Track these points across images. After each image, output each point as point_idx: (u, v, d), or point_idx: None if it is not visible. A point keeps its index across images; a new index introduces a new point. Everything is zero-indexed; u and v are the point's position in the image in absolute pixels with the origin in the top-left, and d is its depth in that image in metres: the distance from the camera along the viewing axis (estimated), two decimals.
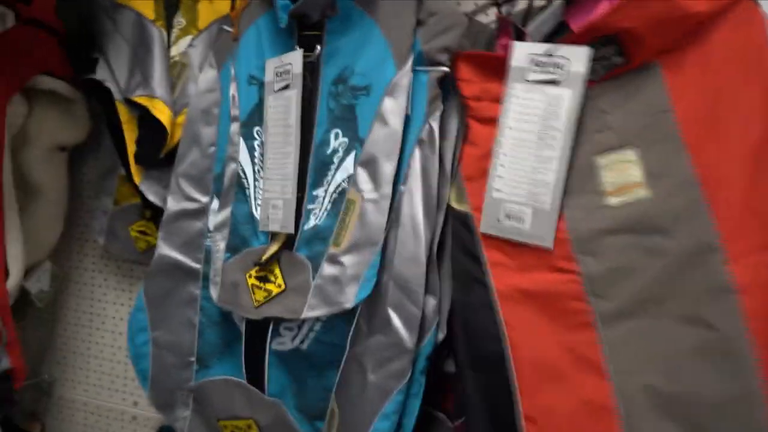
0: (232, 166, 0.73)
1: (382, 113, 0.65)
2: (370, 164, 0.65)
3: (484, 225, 0.64)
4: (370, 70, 0.66)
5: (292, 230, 0.68)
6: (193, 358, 0.79)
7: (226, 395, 0.77)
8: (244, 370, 0.76)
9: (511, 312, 0.63)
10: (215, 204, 0.76)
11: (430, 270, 0.70)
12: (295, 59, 0.67)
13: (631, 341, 0.58)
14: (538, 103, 0.60)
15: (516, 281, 0.63)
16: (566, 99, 0.59)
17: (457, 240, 0.66)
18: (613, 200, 0.60)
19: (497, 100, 0.64)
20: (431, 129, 0.68)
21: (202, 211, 0.77)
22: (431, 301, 0.70)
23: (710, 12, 0.57)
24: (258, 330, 0.74)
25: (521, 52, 0.61)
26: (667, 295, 0.56)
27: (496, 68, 0.64)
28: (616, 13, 0.57)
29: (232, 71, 0.75)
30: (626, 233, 0.59)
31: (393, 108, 0.65)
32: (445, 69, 0.67)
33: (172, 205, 0.78)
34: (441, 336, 0.72)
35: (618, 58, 0.59)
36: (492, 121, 0.65)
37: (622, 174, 0.60)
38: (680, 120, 0.58)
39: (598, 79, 0.59)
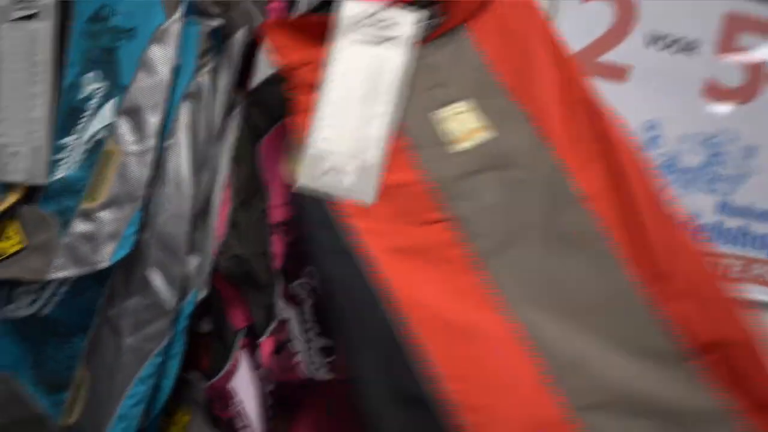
0: None
1: (148, 60, 0.61)
2: (133, 114, 0.61)
3: (303, 179, 0.61)
4: (135, 13, 0.61)
5: (45, 180, 0.60)
6: None
7: None
8: None
9: (394, 273, 0.59)
10: None
11: (196, 227, 0.68)
12: None
13: (515, 271, 0.60)
14: (365, 62, 0.61)
15: (390, 242, 0.60)
16: (393, 59, 0.61)
17: (313, 215, 0.62)
18: (465, 145, 0.63)
19: (319, 64, 0.63)
20: (200, 83, 0.66)
21: None
22: (194, 260, 0.69)
23: None
24: None
25: (348, 12, 0.62)
26: (534, 219, 0.62)
27: (314, 33, 0.63)
28: None
29: None
30: (487, 171, 0.63)
31: (161, 56, 0.61)
32: (217, 22, 0.66)
33: None
34: (201, 295, 0.71)
35: (438, 18, 0.64)
36: (316, 87, 0.64)
37: (464, 123, 0.64)
38: (498, 71, 0.66)
39: (423, 39, 0.64)
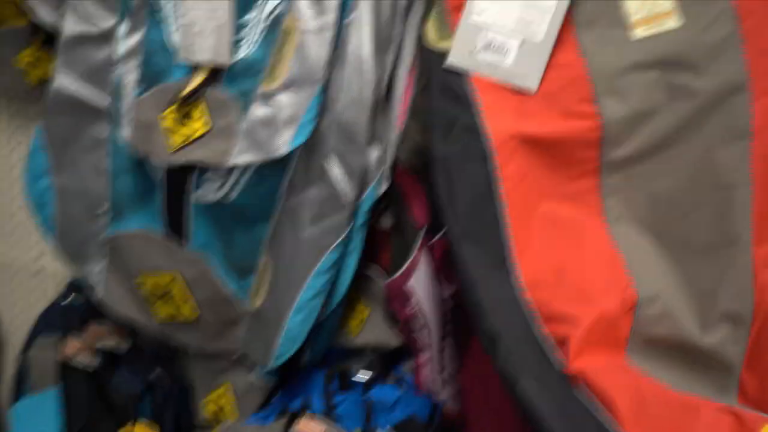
0: None
1: None
2: None
3: (454, 56, 0.54)
4: None
5: (227, 60, 0.58)
6: (103, 209, 0.71)
7: (143, 250, 0.70)
8: (163, 223, 0.69)
9: (507, 163, 0.54)
10: (123, 27, 0.64)
11: (376, 116, 0.63)
12: None
13: (633, 186, 0.55)
14: None
15: (517, 127, 0.54)
16: None
17: (439, 84, 0.56)
18: (639, 32, 0.53)
19: None
20: None
21: (108, 36, 0.65)
22: (375, 151, 0.64)
23: None
24: (179, 178, 0.66)
25: None
26: (682, 138, 0.53)
27: None
28: None
29: None
30: (653, 69, 0.53)
31: None
32: None
33: (71, 27, 0.65)
34: (382, 189, 0.67)
35: None
36: None
37: (650, 2, 0.52)
38: None
39: None
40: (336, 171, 0.61)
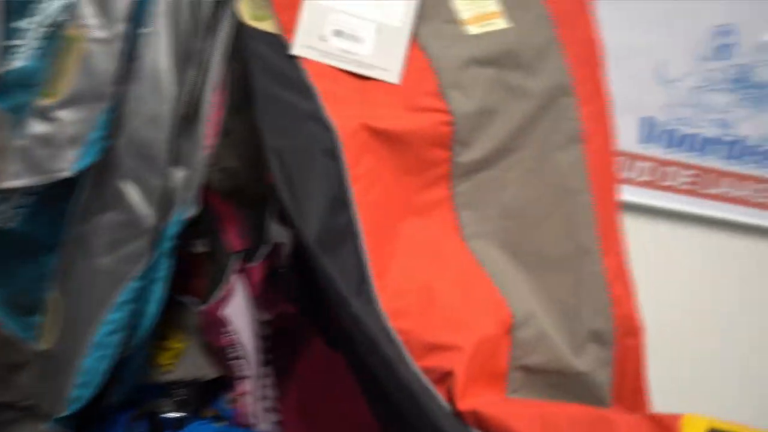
0: None
1: None
2: None
3: (299, 43, 0.49)
4: None
5: None
6: None
7: None
8: None
9: (357, 161, 0.48)
10: None
11: (179, 134, 0.59)
12: None
13: (485, 198, 0.53)
14: None
15: (363, 118, 0.49)
16: None
17: (266, 68, 0.51)
18: (473, 29, 0.53)
19: None
20: None
21: None
22: (180, 173, 0.60)
23: None
24: None
25: None
26: (523, 141, 0.53)
27: None
28: None
29: None
30: (491, 66, 0.53)
31: None
32: None
33: None
34: (190, 213, 0.63)
35: None
36: None
37: (479, 3, 0.53)
38: None
39: None
40: (134, 194, 0.57)
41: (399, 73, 0.50)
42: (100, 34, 0.52)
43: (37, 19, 0.52)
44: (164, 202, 0.59)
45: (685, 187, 0.88)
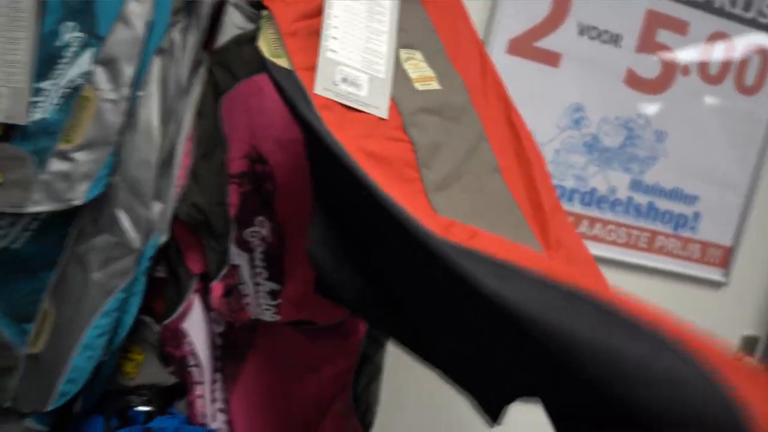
0: None
1: (126, 15, 0.65)
2: (110, 64, 0.65)
3: (320, 86, 0.61)
4: None
5: (24, 120, 0.64)
6: None
7: None
8: None
9: (365, 164, 0.58)
10: None
11: (160, 175, 0.73)
12: None
13: (450, 208, 0.63)
14: None
15: (359, 143, 0.60)
16: None
17: (289, 94, 0.61)
18: (420, 86, 0.68)
19: None
20: (172, 40, 0.70)
21: None
22: (158, 206, 0.74)
23: None
24: None
25: None
26: (465, 171, 0.66)
27: None
28: None
29: None
30: (435, 114, 0.67)
31: (138, 11, 0.66)
32: None
33: None
34: (162, 240, 0.77)
35: None
36: None
37: (419, 68, 0.69)
38: (442, 39, 0.72)
39: None
40: (125, 221, 0.70)
41: (387, 110, 0.65)
42: (110, 95, 0.66)
43: (58, 81, 0.66)
44: (147, 229, 0.72)
45: None
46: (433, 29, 0.73)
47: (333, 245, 0.63)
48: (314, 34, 0.64)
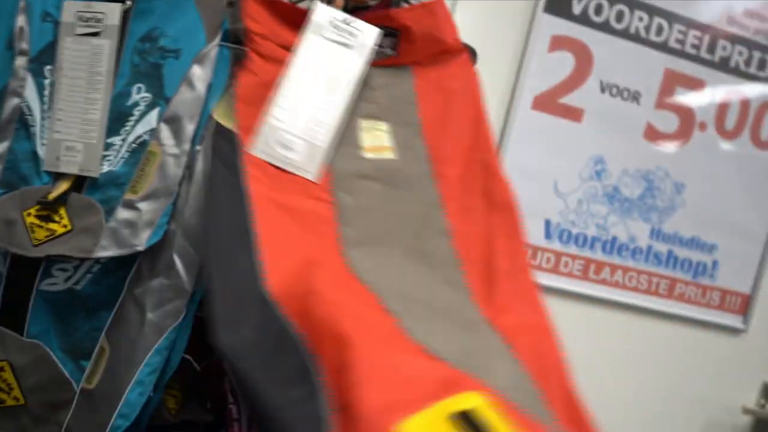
0: (14, 100, 0.71)
1: (190, 78, 0.72)
2: (174, 122, 0.72)
3: (257, 148, 0.70)
4: (182, 37, 0.72)
5: (97, 173, 0.70)
6: None
7: None
8: None
9: (264, 215, 0.65)
10: None
11: None
12: (111, 10, 0.69)
13: (370, 260, 0.70)
14: (330, 56, 0.73)
15: (273, 195, 0.68)
16: (355, 60, 0.74)
17: (219, 153, 0.70)
18: (369, 155, 0.74)
19: (282, 44, 0.74)
20: None
21: None
22: None
23: (452, 46, 0.79)
24: (24, 270, 0.73)
25: (323, 12, 0.74)
26: (400, 233, 0.73)
27: (286, 17, 0.75)
28: (407, 12, 0.75)
29: (21, 2, 0.73)
30: (376, 181, 0.74)
31: (200, 75, 0.72)
32: (245, 48, 0.77)
33: None
34: None
35: (390, 51, 0.77)
36: (273, 59, 0.74)
37: (377, 138, 0.75)
38: (421, 113, 0.79)
39: (372, 62, 0.75)
40: (179, 265, 0.75)
41: (317, 175, 0.72)
42: (173, 150, 0.72)
43: (127, 137, 0.72)
44: (198, 273, 0.77)
45: (576, 273, 1.14)
46: (414, 103, 0.79)
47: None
48: (268, 102, 0.71)
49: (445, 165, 0.77)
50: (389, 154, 0.75)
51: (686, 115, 1.14)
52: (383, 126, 0.77)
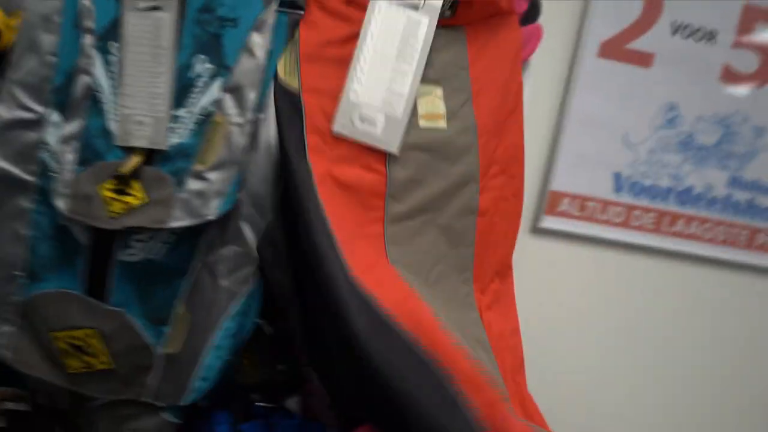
0: (85, 78, 0.73)
1: (249, 46, 0.72)
2: (236, 91, 0.72)
3: (338, 125, 0.70)
4: (239, 5, 0.72)
5: (165, 145, 0.72)
6: (18, 272, 0.78)
7: (61, 308, 0.78)
8: (83, 283, 0.78)
9: (326, 194, 0.69)
10: (55, 116, 0.75)
11: (276, 189, 0.80)
12: None
13: (405, 238, 0.72)
14: (400, 22, 0.71)
15: (331, 168, 0.70)
16: (423, 24, 0.71)
17: (284, 116, 0.72)
18: (423, 122, 0.73)
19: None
20: None
21: (38, 122, 0.75)
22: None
23: (504, 8, 0.76)
24: (104, 242, 0.76)
25: None
26: (437, 208, 0.73)
27: None
28: None
29: None
30: (425, 152, 0.73)
31: (259, 42, 0.72)
32: (302, 12, 0.76)
33: (4, 112, 0.74)
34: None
35: (449, 12, 0.74)
36: (335, 14, 0.73)
37: (432, 105, 0.74)
38: (472, 79, 0.77)
39: None
40: (248, 233, 0.77)
41: (398, 147, 0.72)
42: (237, 119, 0.72)
43: (192, 109, 0.73)
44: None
45: (649, 226, 1.10)
46: (466, 68, 0.76)
47: (280, 248, 0.73)
48: (332, 61, 0.71)
49: (488, 139, 0.76)
50: (441, 122, 0.74)
51: (767, 53, 1.07)
52: (438, 91, 0.75)
